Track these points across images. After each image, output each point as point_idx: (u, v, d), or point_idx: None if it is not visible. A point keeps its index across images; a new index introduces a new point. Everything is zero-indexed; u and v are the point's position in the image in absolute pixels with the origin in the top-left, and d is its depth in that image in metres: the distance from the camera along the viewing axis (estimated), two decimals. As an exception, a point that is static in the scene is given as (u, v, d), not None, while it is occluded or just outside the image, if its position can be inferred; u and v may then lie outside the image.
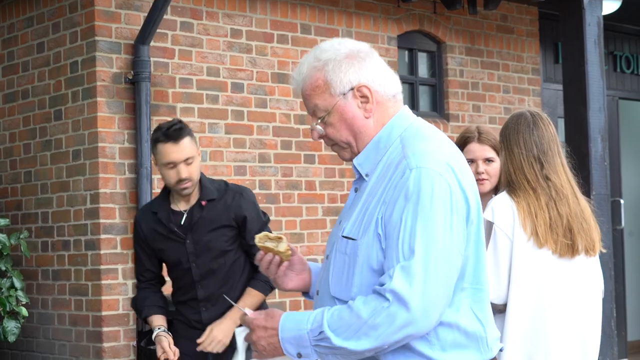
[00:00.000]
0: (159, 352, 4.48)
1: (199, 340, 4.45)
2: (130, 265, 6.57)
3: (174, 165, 4.38)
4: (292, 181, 7.36)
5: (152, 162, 4.65)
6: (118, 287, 6.56)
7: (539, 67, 9.22)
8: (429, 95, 8.52)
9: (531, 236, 3.70)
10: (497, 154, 4.19)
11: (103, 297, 6.50)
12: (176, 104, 6.82)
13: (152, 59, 6.63)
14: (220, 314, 4.52)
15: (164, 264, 4.72)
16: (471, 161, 4.23)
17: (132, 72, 6.56)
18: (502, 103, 8.84)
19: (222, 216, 4.51)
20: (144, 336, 6.02)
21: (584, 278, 3.82)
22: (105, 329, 6.49)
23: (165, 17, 6.61)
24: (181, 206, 4.56)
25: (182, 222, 4.52)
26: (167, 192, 4.60)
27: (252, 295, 4.56)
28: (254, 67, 7.21)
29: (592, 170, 7.54)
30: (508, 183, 3.84)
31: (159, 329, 4.55)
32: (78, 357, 6.66)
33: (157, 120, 6.69)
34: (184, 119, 6.81)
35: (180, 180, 4.40)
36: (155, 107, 6.69)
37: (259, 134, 7.18)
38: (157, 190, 6.66)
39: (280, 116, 7.30)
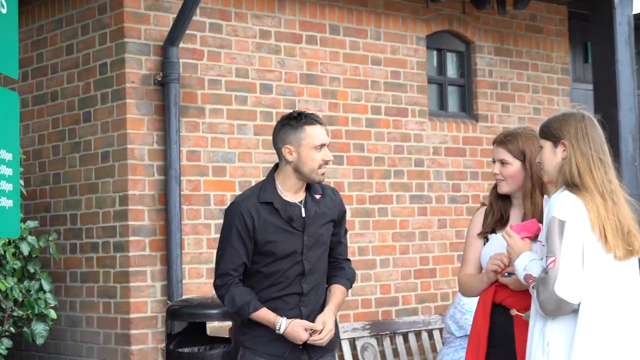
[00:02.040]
0: (305, 336, 4.36)
1: (317, 334, 4.39)
2: (159, 267, 6.56)
3: (322, 147, 4.40)
4: (321, 183, 7.31)
5: (286, 150, 4.38)
6: (147, 289, 6.54)
7: (569, 67, 9.14)
8: (458, 95, 8.46)
9: (599, 239, 3.69)
10: (516, 157, 4.21)
11: (131, 300, 6.48)
12: (205, 105, 6.80)
13: (181, 60, 6.62)
14: (313, 310, 4.47)
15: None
16: (493, 161, 4.30)
17: (161, 73, 6.55)
18: (531, 103, 8.77)
19: (331, 211, 4.55)
20: (174, 339, 6.01)
21: (635, 277, 3.84)
22: (133, 332, 6.48)
23: (194, 18, 6.58)
24: (292, 198, 4.48)
25: (302, 214, 4.46)
26: (273, 182, 4.51)
27: (342, 292, 4.58)
28: (283, 68, 7.18)
29: (622, 171, 7.45)
30: (569, 183, 3.80)
31: (283, 317, 4.39)
32: (106, 359, 6.65)
33: (185, 121, 6.67)
34: (213, 121, 6.82)
35: (326, 163, 4.42)
36: (184, 109, 6.67)
37: (288, 135, 7.14)
38: (186, 192, 6.65)
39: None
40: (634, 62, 7.76)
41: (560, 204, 3.73)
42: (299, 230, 4.44)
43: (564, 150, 3.84)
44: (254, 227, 4.39)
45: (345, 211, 4.66)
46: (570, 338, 3.69)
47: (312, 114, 4.49)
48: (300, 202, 4.47)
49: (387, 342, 7.51)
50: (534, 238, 3.99)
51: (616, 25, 7.60)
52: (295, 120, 4.46)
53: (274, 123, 7.02)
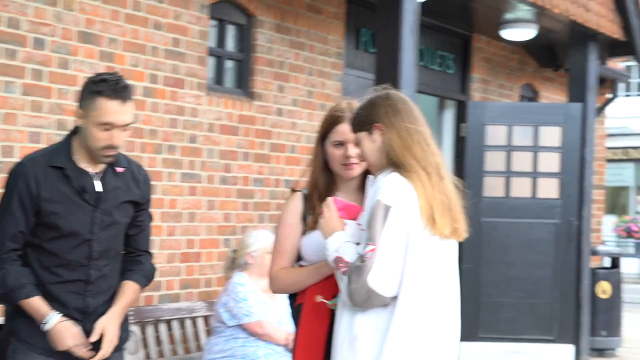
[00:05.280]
0: (71, 343, 3.69)
1: (93, 346, 3.78)
2: None
3: (110, 127, 3.71)
4: (90, 153, 6.63)
5: (78, 112, 3.81)
6: None
7: (342, 52, 8.91)
8: (235, 70, 7.99)
9: (426, 225, 3.40)
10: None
11: None
12: (-31, 56, 5.96)
13: (-54, 1, 5.75)
14: (104, 302, 3.86)
15: None
16: (340, 143, 3.79)
17: None
18: (305, 85, 8.46)
19: (132, 189, 3.92)
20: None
21: (454, 260, 3.59)
22: None
23: (-36, -46, 5.73)
24: (89, 167, 3.84)
25: (95, 188, 3.81)
26: (68, 146, 3.84)
27: (134, 291, 3.98)
28: (59, 22, 6.42)
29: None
30: (393, 164, 3.48)
31: (58, 313, 3.75)
32: None
33: (-54, 72, 5.81)
34: (-23, 74, 5.98)
35: (110, 147, 3.74)
36: (-56, 58, 5.80)
37: (59, 97, 6.40)
38: (-59, 153, 5.80)
39: (83, 80, 6.53)
40: (417, 51, 7.63)
41: (388, 188, 3.39)
42: (91, 205, 3.81)
43: (381, 134, 3.52)
44: (39, 194, 3.74)
45: (149, 196, 4.05)
46: (382, 333, 3.38)
47: (118, 82, 3.73)
48: (98, 173, 3.88)
49: (150, 330, 6.94)
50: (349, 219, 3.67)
51: (404, 12, 7.41)
52: (95, 84, 3.82)
53: (44, 83, 6.30)
